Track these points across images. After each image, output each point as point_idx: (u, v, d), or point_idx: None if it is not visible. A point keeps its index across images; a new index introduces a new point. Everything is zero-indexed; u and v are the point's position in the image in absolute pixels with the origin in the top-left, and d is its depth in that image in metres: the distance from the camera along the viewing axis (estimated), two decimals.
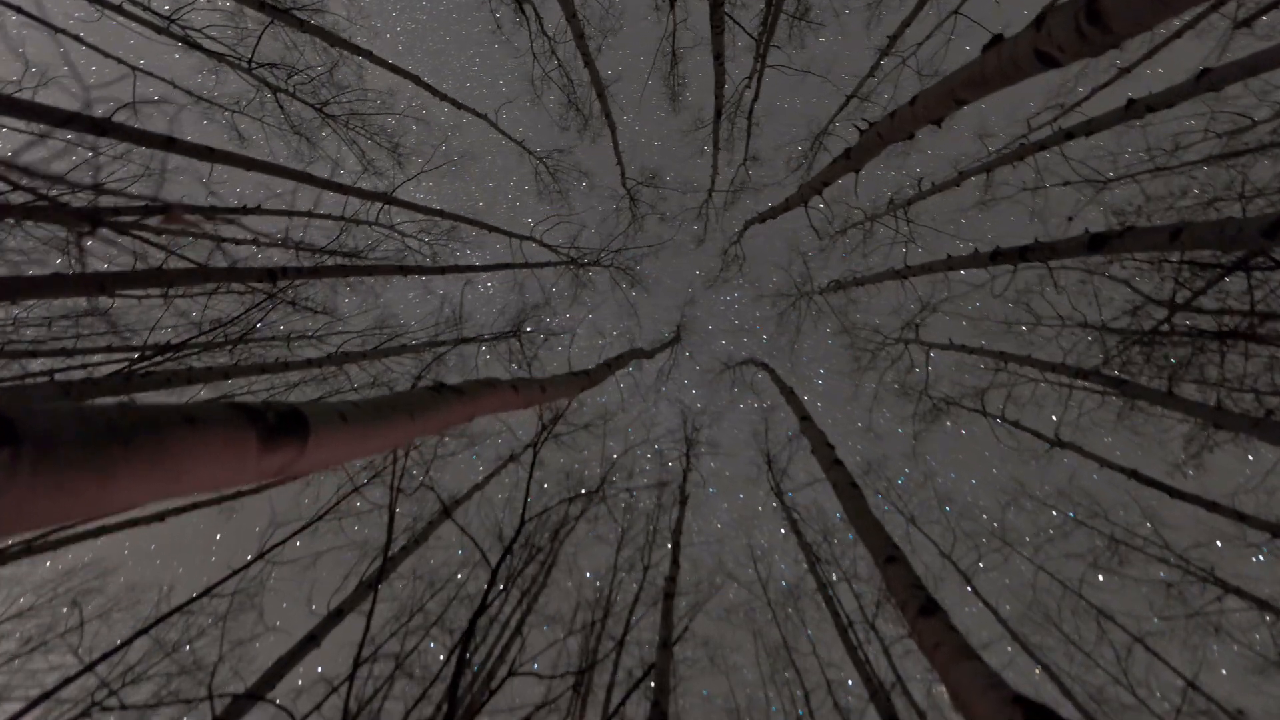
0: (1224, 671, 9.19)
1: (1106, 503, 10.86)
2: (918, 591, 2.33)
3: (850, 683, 10.53)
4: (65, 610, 10.19)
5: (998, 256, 5.43)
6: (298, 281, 7.63)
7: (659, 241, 11.21)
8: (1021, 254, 5.05)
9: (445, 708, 2.79)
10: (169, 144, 4.63)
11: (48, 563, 10.42)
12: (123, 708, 3.39)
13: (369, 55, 7.51)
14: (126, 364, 5.49)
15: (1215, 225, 3.45)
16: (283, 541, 6.94)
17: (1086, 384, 7.81)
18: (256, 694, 3.98)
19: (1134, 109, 4.90)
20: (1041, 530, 11.67)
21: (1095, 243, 4.21)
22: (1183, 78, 5.35)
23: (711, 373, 12.12)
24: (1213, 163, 6.57)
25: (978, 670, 1.83)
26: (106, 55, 7.80)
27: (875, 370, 11.29)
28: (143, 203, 6.67)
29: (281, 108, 8.42)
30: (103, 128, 4.15)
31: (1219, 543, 8.95)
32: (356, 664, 2.45)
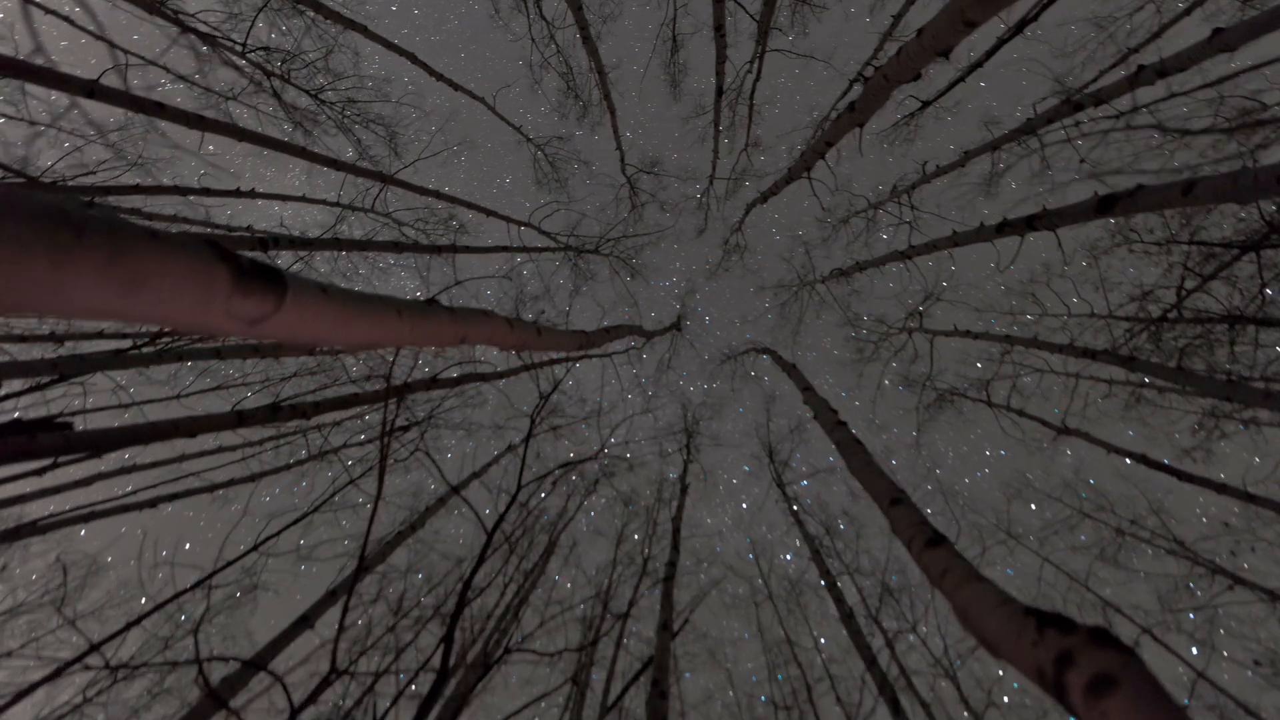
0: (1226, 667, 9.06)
1: (1113, 495, 10.76)
2: (924, 527, 2.26)
3: (853, 674, 10.42)
4: (53, 579, 10.15)
5: (1004, 228, 5.34)
6: (294, 259, 7.58)
7: (659, 229, 11.13)
8: (1029, 223, 4.96)
9: (439, 669, 2.71)
10: (159, 109, 4.57)
11: (27, 555, 10.36)
12: (107, 667, 3.31)
13: (363, 30, 7.45)
14: (118, 351, 5.42)
15: (1229, 176, 3.37)
16: (278, 533, 6.94)
17: (1094, 364, 7.72)
18: (255, 663, 3.89)
19: (1144, 75, 4.82)
20: (1047, 523, 11.57)
21: (1104, 204, 4.13)
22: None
23: (713, 362, 12.03)
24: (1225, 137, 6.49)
25: (987, 590, 1.76)
26: (98, 38, 7.77)
27: (879, 361, 11.20)
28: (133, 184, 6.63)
29: (276, 94, 8.34)
30: (89, 89, 4.09)
31: (1229, 523, 8.85)
32: (345, 610, 2.38)
